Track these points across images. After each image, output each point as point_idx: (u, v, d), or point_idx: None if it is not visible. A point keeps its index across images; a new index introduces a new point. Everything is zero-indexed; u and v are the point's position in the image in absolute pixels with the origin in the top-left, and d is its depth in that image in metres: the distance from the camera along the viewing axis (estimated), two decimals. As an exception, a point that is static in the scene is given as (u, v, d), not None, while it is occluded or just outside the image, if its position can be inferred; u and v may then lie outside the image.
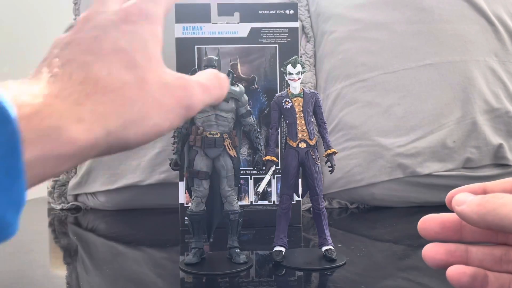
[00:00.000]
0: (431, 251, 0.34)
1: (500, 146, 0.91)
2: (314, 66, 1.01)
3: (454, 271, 0.32)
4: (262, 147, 0.63)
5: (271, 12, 0.79)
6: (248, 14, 0.79)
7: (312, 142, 0.59)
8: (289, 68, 0.59)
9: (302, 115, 0.59)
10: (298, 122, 0.59)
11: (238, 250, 0.59)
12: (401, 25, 0.95)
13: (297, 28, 0.80)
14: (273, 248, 0.59)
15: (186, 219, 0.61)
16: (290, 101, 0.59)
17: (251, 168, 0.77)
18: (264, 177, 0.60)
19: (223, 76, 0.34)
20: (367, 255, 0.63)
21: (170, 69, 0.32)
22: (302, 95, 0.60)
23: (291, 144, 0.59)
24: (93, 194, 0.95)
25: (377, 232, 0.77)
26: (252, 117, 0.61)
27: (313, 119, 0.60)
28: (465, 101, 0.92)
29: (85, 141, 0.25)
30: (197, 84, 0.32)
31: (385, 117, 0.92)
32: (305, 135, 0.59)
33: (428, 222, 0.35)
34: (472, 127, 0.91)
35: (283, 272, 0.57)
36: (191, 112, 0.31)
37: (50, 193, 1.00)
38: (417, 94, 0.92)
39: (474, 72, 0.93)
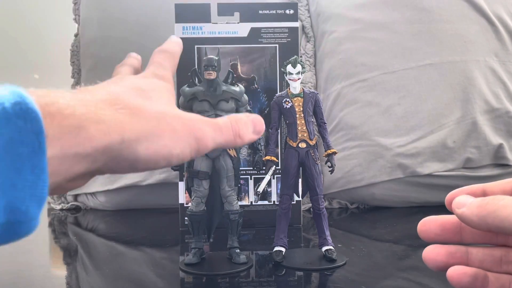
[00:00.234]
0: (432, 253, 0.34)
1: (500, 146, 0.91)
2: (314, 66, 1.01)
3: (455, 272, 0.32)
4: (262, 147, 0.63)
5: (271, 12, 0.79)
6: (248, 14, 0.79)
7: (312, 142, 0.59)
8: (289, 68, 0.59)
9: (302, 115, 0.59)
10: (298, 122, 0.59)
11: (238, 250, 0.59)
12: (401, 25, 0.95)
13: (297, 28, 0.80)
14: (273, 248, 0.59)
15: (186, 219, 0.61)
16: (290, 101, 0.59)
17: (251, 168, 0.77)
18: (264, 177, 0.60)
19: (245, 122, 0.36)
20: (367, 255, 0.63)
21: None
22: (302, 95, 0.59)
23: (291, 144, 0.59)
24: (93, 194, 0.95)
25: (377, 232, 0.77)
26: (252, 117, 0.61)
27: (313, 119, 0.60)
28: (465, 101, 0.92)
29: (101, 142, 0.27)
30: (209, 122, 0.34)
31: (385, 117, 0.92)
32: (305, 135, 0.59)
33: (428, 224, 0.35)
34: (472, 127, 0.91)
35: (283, 272, 0.57)
36: (202, 145, 0.33)
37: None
38: (417, 94, 0.92)
39: (474, 72, 0.93)
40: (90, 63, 0.99)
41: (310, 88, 0.71)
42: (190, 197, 0.60)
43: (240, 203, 0.61)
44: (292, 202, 0.61)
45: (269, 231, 0.70)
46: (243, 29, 0.79)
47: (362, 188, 0.92)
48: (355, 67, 0.95)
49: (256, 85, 0.80)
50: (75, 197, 0.98)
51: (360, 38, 0.96)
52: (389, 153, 0.90)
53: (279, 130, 0.62)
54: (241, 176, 0.77)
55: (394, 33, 0.95)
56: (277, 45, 0.79)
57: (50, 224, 0.88)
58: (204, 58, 0.58)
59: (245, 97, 0.60)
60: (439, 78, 0.93)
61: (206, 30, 0.78)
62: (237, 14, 0.79)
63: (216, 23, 0.78)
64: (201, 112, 0.57)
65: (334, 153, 0.60)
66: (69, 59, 1.05)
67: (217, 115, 0.57)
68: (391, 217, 0.87)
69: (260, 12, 0.79)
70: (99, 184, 0.94)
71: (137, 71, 0.43)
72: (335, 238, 0.67)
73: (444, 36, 0.94)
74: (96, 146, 0.27)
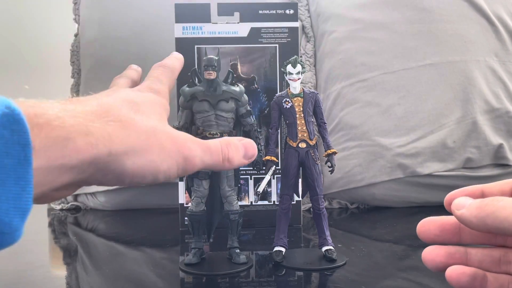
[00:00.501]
0: (431, 254, 0.34)
1: (500, 146, 0.91)
2: (314, 66, 1.01)
3: (454, 272, 0.32)
4: (262, 147, 0.63)
5: (271, 12, 0.79)
6: (248, 14, 0.79)
7: (312, 142, 0.59)
8: (289, 68, 0.59)
9: (302, 115, 0.59)
10: (298, 122, 0.59)
11: (238, 250, 0.59)
12: (401, 25, 0.95)
13: (297, 28, 0.80)
14: (273, 248, 0.59)
15: (186, 219, 0.61)
16: (290, 101, 0.59)
17: (251, 168, 0.77)
18: (264, 177, 0.60)
19: (236, 147, 0.37)
20: (367, 255, 0.63)
21: None
22: (302, 95, 0.59)
23: (291, 144, 0.59)
24: (93, 194, 0.95)
25: (377, 232, 0.77)
26: (252, 117, 0.61)
27: (313, 119, 0.60)
28: (465, 101, 0.92)
29: (88, 154, 0.27)
30: (199, 143, 0.34)
31: (385, 117, 0.92)
32: (305, 135, 0.59)
33: (427, 225, 0.35)
34: (472, 127, 0.91)
35: (283, 272, 0.57)
36: (189, 165, 0.33)
37: (50, 193, 1.00)
38: (417, 94, 0.92)
39: (474, 72, 0.93)
40: (90, 63, 0.99)
41: (310, 88, 0.71)
42: (190, 197, 0.60)
43: (240, 203, 0.61)
44: (292, 202, 0.61)
45: (269, 231, 0.70)
46: (243, 29, 0.79)
47: (362, 188, 0.92)
48: (355, 67, 0.95)
49: (256, 85, 0.80)
50: (75, 197, 0.98)
51: (360, 38, 0.96)
52: (389, 153, 0.90)
53: (279, 130, 0.62)
54: (241, 176, 0.77)
55: (394, 33, 0.95)
56: (277, 45, 0.79)
57: (50, 224, 0.88)
58: (204, 58, 0.58)
59: (245, 97, 0.60)
60: (439, 78, 0.93)
61: (206, 30, 0.78)
62: (237, 14, 0.79)
63: (216, 23, 0.78)
64: (201, 112, 0.57)
65: (334, 153, 0.60)
66: (69, 59, 1.05)
67: (217, 115, 0.57)
68: (391, 217, 0.87)
69: (260, 12, 0.79)
70: (99, 185, 0.93)
71: (135, 84, 0.43)
72: (335, 238, 0.67)
73: (444, 36, 0.94)
74: (83, 158, 0.27)
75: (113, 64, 0.94)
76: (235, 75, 0.65)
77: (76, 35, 1.06)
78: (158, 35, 0.92)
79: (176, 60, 0.45)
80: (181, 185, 0.78)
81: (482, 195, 0.33)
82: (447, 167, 0.90)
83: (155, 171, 0.31)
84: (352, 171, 0.91)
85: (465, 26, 0.95)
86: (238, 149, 0.37)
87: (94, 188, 0.94)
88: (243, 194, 0.79)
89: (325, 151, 0.60)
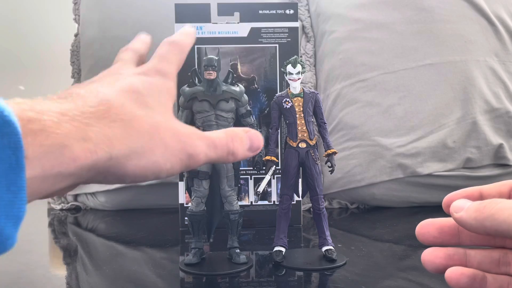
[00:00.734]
0: (431, 255, 0.34)
1: (500, 146, 0.91)
2: (314, 66, 1.01)
3: (453, 273, 0.32)
4: (262, 147, 0.63)
5: (271, 12, 0.79)
6: (248, 14, 0.79)
7: (312, 142, 0.59)
8: (289, 68, 0.59)
9: (302, 115, 0.59)
10: (298, 122, 0.59)
11: (238, 250, 0.59)
12: (401, 25, 0.95)
13: (297, 28, 0.80)
14: (273, 248, 0.59)
15: (186, 219, 0.61)
16: (290, 101, 0.59)
17: (251, 168, 0.77)
18: (264, 177, 0.60)
19: (241, 139, 0.35)
20: (367, 255, 0.63)
21: None
22: (302, 95, 0.59)
23: (291, 144, 0.59)
24: (93, 194, 0.95)
25: (377, 232, 0.77)
26: (252, 117, 0.61)
27: (313, 119, 0.60)
28: (465, 101, 0.92)
29: (86, 161, 0.25)
30: (204, 138, 0.32)
31: (385, 117, 0.92)
32: (305, 135, 0.59)
33: (426, 227, 0.35)
34: (472, 127, 0.91)
35: (283, 272, 0.57)
36: (193, 162, 0.31)
37: (50, 193, 1.00)
38: (417, 94, 0.92)
39: (474, 72, 0.93)
40: (90, 63, 0.99)
41: (310, 88, 0.71)
42: (190, 197, 0.60)
43: (240, 203, 0.61)
44: (292, 202, 0.61)
45: (269, 231, 0.70)
46: (243, 29, 0.79)
47: (362, 188, 0.92)
48: (355, 67, 0.95)
49: (256, 85, 0.80)
50: (75, 197, 0.98)
51: (360, 38, 0.96)
52: (389, 153, 0.90)
53: (279, 130, 0.62)
54: (241, 176, 0.77)
55: (394, 33, 0.95)
56: (277, 45, 0.79)
57: (50, 224, 0.88)
58: (204, 58, 0.58)
59: (245, 97, 0.60)
60: (439, 78, 0.93)
61: (206, 30, 0.78)
62: (237, 14, 0.79)
63: (216, 23, 0.78)
64: (201, 112, 0.57)
65: (334, 153, 0.60)
66: (69, 59, 1.05)
67: (217, 115, 0.57)
68: (391, 217, 0.87)
69: (260, 12, 0.79)
70: (99, 184, 0.93)
71: (141, 58, 0.40)
72: (335, 238, 0.67)
73: (444, 36, 0.94)
74: (81, 165, 0.25)
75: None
76: (235, 75, 0.65)
77: (76, 35, 1.06)
78: (158, 35, 0.92)
79: (186, 36, 0.40)
80: (181, 185, 0.78)
81: (480, 197, 0.33)
82: (447, 167, 0.90)
83: (158, 171, 0.30)
84: (352, 171, 0.91)
85: (465, 26, 0.95)
86: (244, 142, 0.35)
87: (94, 188, 0.94)
88: (243, 194, 0.79)
89: (325, 151, 0.60)
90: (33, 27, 1.33)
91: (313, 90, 0.61)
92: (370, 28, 0.96)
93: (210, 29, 0.78)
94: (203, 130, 0.57)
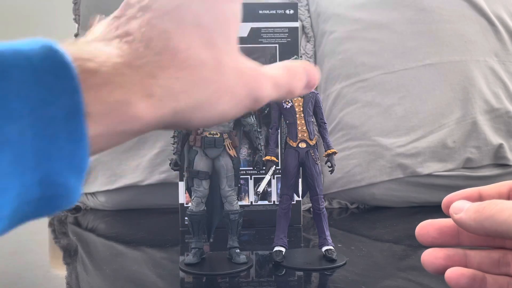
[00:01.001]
0: (430, 256, 0.34)
1: (500, 146, 0.91)
2: (314, 66, 1.01)
3: (453, 273, 0.32)
4: (262, 147, 0.63)
5: (271, 12, 0.79)
6: (248, 14, 0.79)
7: (312, 142, 0.59)
8: (289, 68, 0.59)
9: (302, 115, 0.59)
10: (298, 122, 0.59)
11: (238, 250, 0.59)
12: (401, 25, 0.95)
13: (297, 28, 0.80)
14: (273, 248, 0.59)
15: (186, 219, 0.61)
16: (290, 101, 0.59)
17: (251, 168, 0.77)
18: (264, 177, 0.60)
19: (300, 77, 0.32)
20: (367, 255, 0.63)
21: None
22: (302, 95, 0.59)
23: (291, 144, 0.59)
24: (93, 194, 0.95)
25: (377, 232, 0.77)
26: (252, 117, 0.61)
27: (313, 119, 0.60)
28: (465, 101, 0.92)
29: (151, 119, 0.23)
30: (269, 79, 0.30)
31: (385, 117, 0.92)
32: (305, 135, 0.59)
33: (426, 228, 0.35)
34: (472, 127, 0.91)
35: (283, 272, 0.57)
36: (257, 105, 0.29)
37: (50, 193, 1.00)
38: (417, 94, 0.92)
39: (474, 72, 0.93)
40: (90, 63, 0.99)
41: (310, 88, 0.71)
42: (190, 197, 0.60)
43: (240, 203, 0.61)
44: (292, 202, 0.61)
45: (269, 231, 0.70)
46: (243, 29, 0.79)
47: (362, 188, 0.92)
48: (355, 67, 0.95)
49: (256, 85, 0.79)
50: (75, 197, 0.98)
51: (360, 38, 0.96)
52: (389, 153, 0.90)
53: (279, 130, 0.62)
54: (241, 176, 0.77)
55: (394, 33, 0.95)
56: (277, 45, 0.79)
57: (50, 224, 0.88)
58: (204, 58, 0.58)
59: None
60: (439, 78, 0.93)
61: (206, 30, 0.78)
62: (237, 14, 0.79)
63: (216, 23, 0.78)
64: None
65: (334, 153, 0.60)
66: (69, 59, 1.05)
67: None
68: (391, 217, 0.87)
69: (260, 12, 0.79)
70: (99, 184, 0.94)
71: None
72: (335, 238, 0.67)
73: (444, 36, 0.94)
74: (146, 122, 0.23)
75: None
76: (235, 75, 0.64)
77: (76, 35, 1.06)
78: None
79: None
80: (181, 185, 0.78)
81: (480, 198, 0.33)
82: (447, 167, 0.90)
83: (223, 119, 0.27)
84: (352, 171, 0.91)
85: (465, 26, 0.95)
86: (302, 79, 0.32)
87: (94, 188, 0.94)
88: (243, 194, 0.79)
89: (325, 151, 0.60)
90: (33, 27, 1.33)
91: (313, 90, 0.61)
92: (370, 28, 0.96)
93: (210, 29, 0.78)
94: (203, 130, 0.58)
